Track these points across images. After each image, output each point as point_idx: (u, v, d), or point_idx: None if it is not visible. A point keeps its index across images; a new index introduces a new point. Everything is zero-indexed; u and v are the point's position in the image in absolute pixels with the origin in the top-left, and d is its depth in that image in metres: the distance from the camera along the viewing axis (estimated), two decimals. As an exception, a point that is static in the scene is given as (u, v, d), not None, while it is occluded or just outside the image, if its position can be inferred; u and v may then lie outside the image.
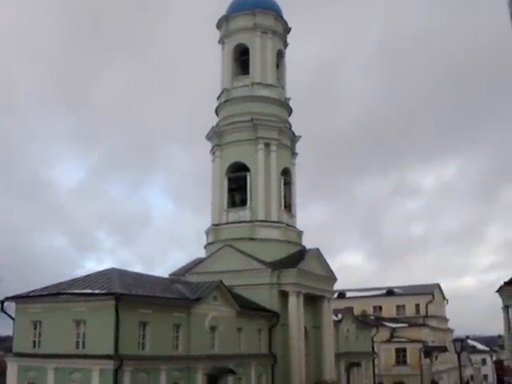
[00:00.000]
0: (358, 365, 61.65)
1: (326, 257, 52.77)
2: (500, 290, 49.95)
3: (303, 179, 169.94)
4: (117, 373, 30.10)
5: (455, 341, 34.57)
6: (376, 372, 70.23)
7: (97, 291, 31.88)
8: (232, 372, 38.40)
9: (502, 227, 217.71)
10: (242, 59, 55.00)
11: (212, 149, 53.77)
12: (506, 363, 55.69)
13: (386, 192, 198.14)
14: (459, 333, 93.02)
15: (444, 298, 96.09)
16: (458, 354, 32.76)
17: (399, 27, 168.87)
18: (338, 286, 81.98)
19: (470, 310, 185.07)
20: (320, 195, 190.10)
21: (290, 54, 56.64)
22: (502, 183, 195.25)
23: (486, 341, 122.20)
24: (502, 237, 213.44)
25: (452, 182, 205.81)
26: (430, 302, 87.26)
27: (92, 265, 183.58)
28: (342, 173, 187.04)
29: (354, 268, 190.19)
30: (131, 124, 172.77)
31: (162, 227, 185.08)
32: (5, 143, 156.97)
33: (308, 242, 53.17)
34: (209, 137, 53.96)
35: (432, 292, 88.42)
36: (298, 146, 55.44)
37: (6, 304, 35.49)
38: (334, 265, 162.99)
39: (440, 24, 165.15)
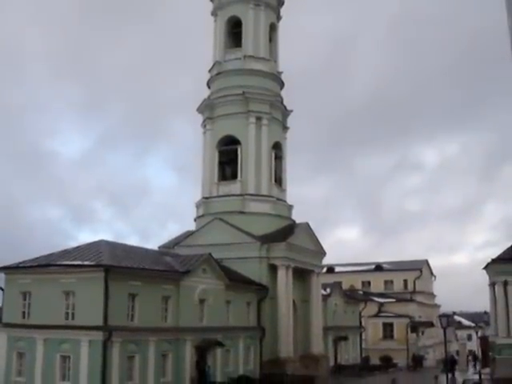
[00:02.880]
0: (346, 339, 62.22)
1: (323, 231, 53.91)
2: (487, 267, 50.49)
3: (306, 153, 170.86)
4: (106, 344, 30.22)
5: (441, 316, 34.79)
6: (363, 346, 70.93)
7: (86, 263, 31.85)
8: (220, 344, 38.63)
9: (500, 206, 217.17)
10: (234, 32, 54.54)
11: (203, 122, 53.59)
12: (490, 339, 56.19)
13: (388, 168, 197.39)
14: (446, 309, 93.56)
15: (432, 274, 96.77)
16: (444, 329, 32.99)
17: (416, 2, 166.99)
18: (329, 261, 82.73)
19: (459, 287, 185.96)
20: (322, 169, 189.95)
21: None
22: (504, 162, 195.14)
23: (472, 317, 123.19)
24: (499, 215, 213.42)
25: (454, 159, 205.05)
26: (418, 277, 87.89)
27: (87, 237, 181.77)
28: (345, 147, 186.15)
29: (349, 243, 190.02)
30: (137, 95, 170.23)
31: (162, 200, 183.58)
32: (6, 112, 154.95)
33: (305, 217, 53.45)
34: (200, 110, 53.73)
35: (420, 268, 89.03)
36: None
37: (-5, 274, 35.51)
38: (330, 239, 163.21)
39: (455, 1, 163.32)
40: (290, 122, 55.65)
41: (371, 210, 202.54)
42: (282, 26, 57.17)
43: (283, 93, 55.52)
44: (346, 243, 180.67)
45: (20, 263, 34.23)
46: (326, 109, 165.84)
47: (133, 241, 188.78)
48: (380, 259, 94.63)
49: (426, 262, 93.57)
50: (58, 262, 32.72)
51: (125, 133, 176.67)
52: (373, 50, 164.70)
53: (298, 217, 53.38)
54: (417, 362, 70.59)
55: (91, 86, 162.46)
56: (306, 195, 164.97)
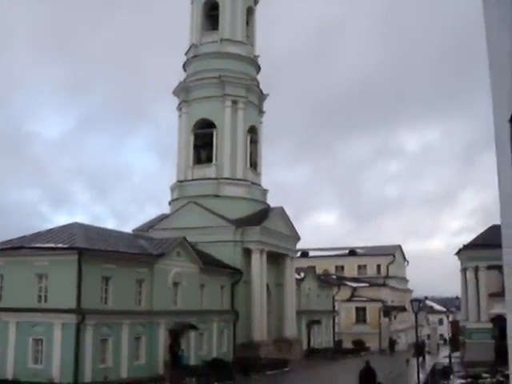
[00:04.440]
0: (319, 323, 62.62)
1: (301, 216, 53.62)
2: (459, 253, 51.09)
3: (288, 138, 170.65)
4: (79, 327, 30.13)
5: (413, 301, 35.16)
6: (336, 330, 71.40)
7: (59, 245, 31.62)
8: (194, 327, 38.69)
9: (478, 193, 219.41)
10: (211, 15, 54.14)
11: (179, 105, 53.31)
12: (461, 323, 57.02)
13: (369, 153, 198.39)
14: (419, 294, 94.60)
15: (405, 259, 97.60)
16: (416, 314, 33.32)
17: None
18: (307, 245, 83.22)
19: (432, 272, 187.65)
20: (303, 154, 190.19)
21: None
22: (483, 149, 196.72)
23: (443, 302, 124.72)
24: (476, 202, 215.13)
25: (435, 145, 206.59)
26: (391, 262, 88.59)
27: (64, 219, 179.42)
28: (327, 132, 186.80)
29: (327, 228, 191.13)
30: (121, 78, 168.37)
31: (142, 183, 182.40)
32: None
33: (285, 201, 53.60)
34: (176, 92, 53.42)
35: (393, 253, 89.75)
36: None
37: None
38: (309, 224, 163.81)
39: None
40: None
41: (350, 196, 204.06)
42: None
43: (260, 77, 55.47)
44: (324, 228, 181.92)
45: (-8, 245, 33.89)
46: (309, 94, 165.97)
47: (110, 224, 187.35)
48: (357, 244, 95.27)
49: (399, 247, 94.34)
50: (31, 245, 32.46)
51: (106, 115, 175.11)
52: (359, 35, 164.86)
53: (277, 201, 53.63)
54: (391, 346, 71.22)
55: (74, 68, 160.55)
56: (287, 180, 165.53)
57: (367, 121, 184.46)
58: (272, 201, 54.21)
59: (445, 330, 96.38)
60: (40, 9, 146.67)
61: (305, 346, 57.50)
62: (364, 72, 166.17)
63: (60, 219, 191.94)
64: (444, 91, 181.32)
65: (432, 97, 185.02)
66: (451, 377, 34.82)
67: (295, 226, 54.70)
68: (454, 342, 64.12)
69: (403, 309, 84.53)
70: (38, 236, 34.12)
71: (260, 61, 55.44)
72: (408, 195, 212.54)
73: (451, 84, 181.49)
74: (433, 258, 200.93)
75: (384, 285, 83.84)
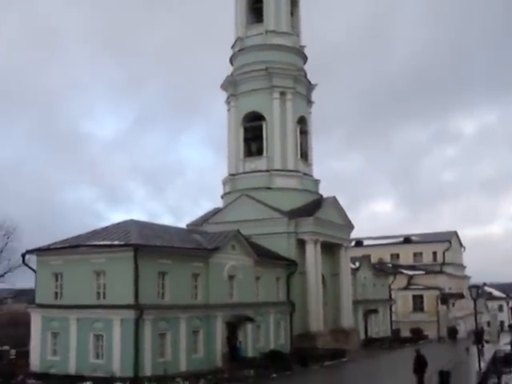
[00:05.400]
0: (376, 312, 62.15)
1: (357, 206, 53.20)
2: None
3: (340, 127, 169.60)
4: (137, 322, 30.55)
5: (471, 287, 34.49)
6: (393, 319, 70.77)
7: (115, 242, 32.10)
8: (251, 320, 38.85)
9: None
10: (255, 7, 54.01)
11: (227, 98, 53.45)
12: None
13: (424, 140, 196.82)
14: (477, 280, 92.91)
15: (461, 245, 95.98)
16: (475, 301, 32.76)
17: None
18: (362, 234, 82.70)
19: (491, 258, 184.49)
20: (357, 143, 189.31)
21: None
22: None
23: (503, 288, 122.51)
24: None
25: (492, 128, 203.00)
26: (447, 249, 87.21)
27: (120, 217, 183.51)
28: (380, 120, 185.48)
29: (382, 216, 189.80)
30: (174, 74, 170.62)
31: (197, 178, 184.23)
32: (44, 92, 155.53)
33: (339, 191, 53.30)
34: (224, 86, 53.57)
35: (449, 239, 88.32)
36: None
37: (27, 257, 36.02)
38: (364, 213, 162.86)
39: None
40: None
41: (405, 183, 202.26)
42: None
43: (308, 67, 55.14)
44: (379, 217, 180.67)
45: (51, 245, 34.63)
46: (361, 81, 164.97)
47: (166, 220, 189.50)
48: (413, 232, 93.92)
49: (456, 233, 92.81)
50: (88, 243, 33.04)
51: (160, 112, 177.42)
52: (412, 20, 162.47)
53: (330, 191, 53.31)
54: (451, 334, 69.90)
55: (128, 67, 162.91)
56: (340, 169, 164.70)
57: (422, 106, 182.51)
58: (325, 191, 54.08)
59: (505, 317, 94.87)
60: (93, 9, 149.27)
61: (362, 336, 57.14)
62: (418, 56, 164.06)
63: (116, 217, 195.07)
64: (501, 73, 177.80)
65: (489, 79, 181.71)
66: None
67: (349, 216, 54.43)
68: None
69: (461, 296, 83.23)
70: (95, 234, 34.70)
71: (307, 51, 55.15)
72: (465, 180, 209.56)
73: (509, 66, 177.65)
74: (491, 243, 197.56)
75: (441, 272, 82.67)
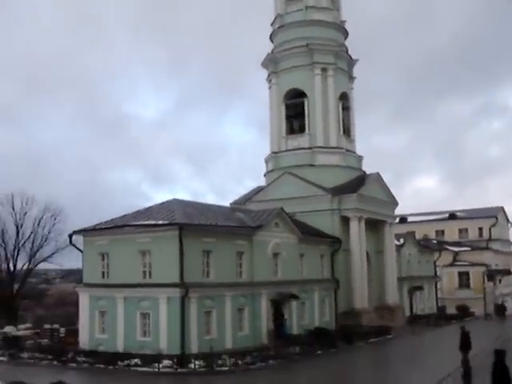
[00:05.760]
0: (421, 289, 61.56)
1: (401, 181, 52.67)
2: None
3: (386, 102, 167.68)
4: (183, 300, 30.88)
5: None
6: (439, 296, 70.10)
7: (160, 222, 32.37)
8: (295, 297, 38.89)
9: None
10: (295, -17, 53.39)
11: (268, 76, 53.20)
12: None
13: (471, 113, 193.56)
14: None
15: (508, 221, 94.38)
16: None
17: None
18: (407, 210, 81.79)
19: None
20: (402, 118, 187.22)
21: None
22: None
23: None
24: None
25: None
26: (494, 225, 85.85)
27: (164, 197, 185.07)
28: (425, 94, 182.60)
29: (427, 192, 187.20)
30: (215, 53, 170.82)
31: (240, 157, 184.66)
32: (87, 75, 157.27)
33: (383, 167, 52.71)
34: (264, 64, 53.29)
35: (495, 215, 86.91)
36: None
37: (74, 237, 36.56)
38: (409, 189, 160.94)
39: None
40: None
41: (451, 158, 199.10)
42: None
43: (349, 42, 54.53)
44: (423, 193, 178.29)
45: (96, 225, 35.12)
46: (405, 56, 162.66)
47: (210, 199, 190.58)
48: (458, 207, 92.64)
49: (502, 208, 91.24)
50: (133, 223, 33.37)
51: (202, 92, 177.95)
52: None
53: (374, 167, 52.80)
54: (500, 311, 68.97)
55: (170, 48, 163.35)
56: (384, 145, 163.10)
57: (468, 80, 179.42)
58: (368, 167, 53.58)
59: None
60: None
61: (407, 313, 56.70)
62: (463, 28, 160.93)
63: (160, 197, 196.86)
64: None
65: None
66: None
67: (393, 192, 53.86)
68: None
69: (508, 272, 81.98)
70: (139, 214, 35.07)
71: (348, 25, 54.48)
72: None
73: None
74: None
75: (487, 248, 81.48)
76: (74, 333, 37.49)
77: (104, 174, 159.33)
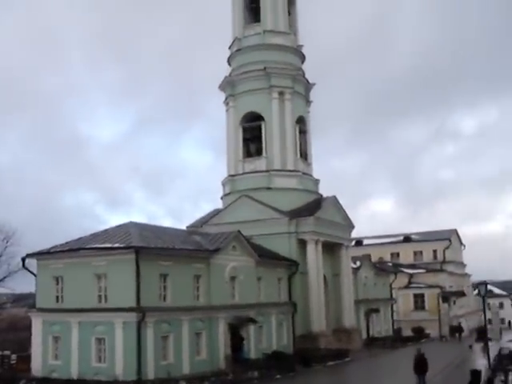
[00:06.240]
0: (377, 311, 61.99)
1: (356, 205, 53.04)
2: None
3: (340, 126, 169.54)
4: (140, 325, 30.34)
5: (479, 284, 34.27)
6: (395, 318, 70.67)
7: (116, 245, 31.91)
8: (253, 321, 38.59)
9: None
10: (252, 7, 53.76)
11: (226, 99, 53.22)
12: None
13: (425, 138, 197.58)
14: (477, 278, 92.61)
15: (461, 243, 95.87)
16: (483, 298, 32.61)
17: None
18: (363, 233, 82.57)
19: (490, 256, 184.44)
20: (356, 142, 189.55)
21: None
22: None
23: (502, 285, 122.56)
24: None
25: (492, 125, 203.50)
26: (447, 247, 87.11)
27: (119, 220, 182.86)
28: (380, 119, 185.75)
29: (382, 215, 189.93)
30: (172, 76, 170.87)
31: (196, 180, 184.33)
32: (43, 95, 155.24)
33: (339, 190, 53.31)
34: (222, 87, 53.35)
35: (449, 238, 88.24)
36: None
37: (27, 261, 35.76)
38: (364, 212, 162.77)
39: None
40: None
41: (405, 181, 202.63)
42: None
43: (306, 66, 55.05)
44: (379, 216, 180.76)
45: (51, 248, 34.43)
46: (361, 80, 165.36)
47: (166, 222, 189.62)
48: (414, 230, 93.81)
49: (455, 231, 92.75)
50: (89, 246, 32.82)
51: (160, 115, 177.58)
52: (412, 20, 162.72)
53: (331, 191, 52.92)
54: (457, 332, 69.40)
55: (127, 70, 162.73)
56: (340, 169, 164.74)
57: (422, 105, 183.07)
58: (325, 190, 53.84)
59: (506, 314, 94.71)
60: (93, 11, 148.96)
61: (364, 335, 56.95)
62: (418, 55, 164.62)
63: (116, 219, 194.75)
64: (501, 71, 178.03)
65: (489, 77, 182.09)
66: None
67: (349, 215, 54.28)
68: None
69: (462, 294, 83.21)
70: (95, 237, 34.52)
71: (306, 50, 54.97)
72: (465, 178, 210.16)
73: (509, 64, 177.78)
74: (491, 240, 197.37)
75: (441, 270, 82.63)
76: (25, 359, 36.45)
77: (58, 196, 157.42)
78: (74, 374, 31.11)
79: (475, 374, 16.59)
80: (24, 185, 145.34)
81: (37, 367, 33.40)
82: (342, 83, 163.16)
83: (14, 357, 39.97)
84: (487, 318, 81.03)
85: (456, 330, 69.44)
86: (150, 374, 30.42)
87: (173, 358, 32.52)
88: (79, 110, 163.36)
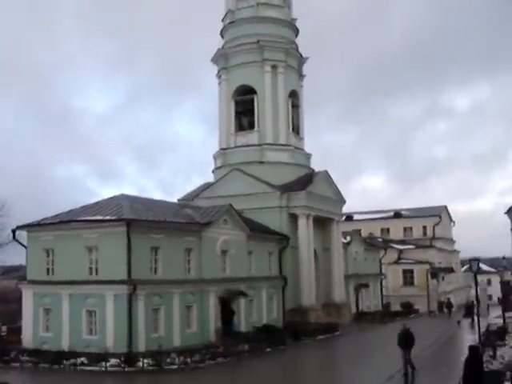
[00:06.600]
0: (367, 286, 62.27)
1: (348, 180, 52.91)
2: (509, 212, 49.88)
3: (334, 101, 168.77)
4: (130, 297, 30.35)
5: (472, 260, 34.12)
6: (384, 293, 71.02)
7: (107, 217, 31.78)
8: (243, 294, 38.69)
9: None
10: (245, -22, 53.17)
11: (218, 72, 52.84)
12: (512, 283, 56.07)
13: (417, 114, 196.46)
14: (466, 254, 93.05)
15: (451, 220, 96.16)
16: (475, 274, 32.56)
17: None
18: (354, 209, 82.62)
19: (479, 233, 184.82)
20: (350, 117, 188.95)
21: None
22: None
23: (491, 262, 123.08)
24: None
25: (485, 103, 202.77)
26: (437, 223, 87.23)
27: (111, 193, 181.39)
28: (374, 94, 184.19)
29: (374, 191, 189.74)
30: (166, 48, 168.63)
31: (188, 153, 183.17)
32: (34, 67, 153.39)
33: (331, 166, 52.99)
34: (214, 60, 52.92)
35: (439, 214, 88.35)
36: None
37: (17, 233, 35.55)
38: (356, 188, 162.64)
39: None
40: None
41: (397, 158, 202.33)
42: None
43: (300, 40, 54.62)
44: (370, 191, 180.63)
45: (41, 220, 34.25)
46: (355, 55, 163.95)
47: (157, 196, 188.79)
48: (403, 206, 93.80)
49: (445, 208, 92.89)
50: (80, 218, 32.66)
51: (152, 87, 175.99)
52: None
53: (323, 165, 53.07)
54: (447, 308, 69.59)
55: (120, 42, 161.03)
56: (333, 144, 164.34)
57: (416, 81, 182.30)
58: (317, 165, 53.77)
59: (494, 291, 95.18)
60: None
61: (353, 310, 57.25)
62: (412, 30, 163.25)
63: (107, 192, 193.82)
64: (495, 47, 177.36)
65: (482, 53, 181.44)
66: (506, 337, 34.15)
67: (341, 190, 54.24)
68: (506, 302, 63.06)
69: (451, 270, 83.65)
70: (86, 209, 34.34)
71: (299, 24, 54.53)
72: (456, 155, 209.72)
73: (502, 39, 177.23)
74: (480, 218, 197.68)
75: (431, 246, 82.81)
76: (16, 331, 36.44)
77: (50, 168, 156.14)
78: (65, 345, 31.07)
79: (473, 349, 16.58)
80: (15, 157, 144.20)
81: (28, 339, 33.42)
82: (335, 58, 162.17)
83: (4, 328, 39.78)
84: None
85: (446, 305, 69.74)
86: (141, 346, 30.47)
87: (164, 331, 32.62)
88: (72, 83, 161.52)
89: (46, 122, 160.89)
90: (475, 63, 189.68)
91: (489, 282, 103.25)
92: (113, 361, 28.01)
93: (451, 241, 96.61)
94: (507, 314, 50.62)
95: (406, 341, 24.79)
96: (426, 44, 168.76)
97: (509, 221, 51.70)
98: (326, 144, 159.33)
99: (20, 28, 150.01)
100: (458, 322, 52.85)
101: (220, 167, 50.93)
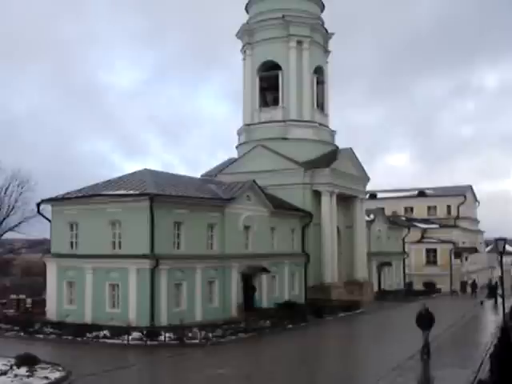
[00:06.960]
0: (389, 264, 61.95)
1: (374, 158, 52.35)
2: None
3: (362, 78, 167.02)
4: (153, 272, 30.51)
5: (498, 240, 33.65)
6: (406, 272, 70.66)
7: (131, 192, 31.82)
8: (266, 270, 38.70)
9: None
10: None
11: (243, 47, 52.45)
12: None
13: (446, 93, 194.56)
14: (490, 235, 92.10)
15: (476, 199, 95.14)
16: (501, 254, 32.11)
17: None
18: (378, 187, 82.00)
19: (504, 213, 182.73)
20: (378, 95, 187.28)
21: None
22: None
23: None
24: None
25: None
26: (462, 203, 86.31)
27: (135, 167, 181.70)
28: (403, 72, 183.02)
29: (399, 169, 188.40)
30: (193, 24, 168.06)
31: (214, 129, 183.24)
32: (61, 42, 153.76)
33: (357, 143, 52.35)
34: (239, 35, 52.50)
35: (464, 194, 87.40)
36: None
37: (42, 207, 35.78)
38: (379, 166, 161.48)
39: None
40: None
41: (424, 137, 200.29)
42: None
43: (325, 15, 53.86)
44: (395, 170, 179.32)
45: (66, 194, 34.40)
46: (384, 33, 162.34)
47: (181, 171, 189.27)
48: (428, 185, 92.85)
49: (470, 187, 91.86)
50: (104, 192, 32.74)
51: (178, 63, 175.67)
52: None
53: (348, 143, 52.57)
54: (472, 288, 69.03)
55: (147, 18, 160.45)
56: (359, 121, 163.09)
57: (445, 59, 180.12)
58: (342, 142, 53.43)
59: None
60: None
61: (375, 288, 57.05)
62: (442, 8, 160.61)
63: (131, 167, 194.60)
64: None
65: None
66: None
67: (365, 168, 53.84)
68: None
69: (474, 250, 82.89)
70: (110, 184, 34.43)
71: (326, -1, 53.70)
72: (484, 135, 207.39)
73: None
74: (505, 198, 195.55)
75: (455, 226, 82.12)
76: (40, 303, 36.85)
77: (75, 143, 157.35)
78: (88, 318, 31.45)
79: (505, 331, 16.45)
80: (41, 132, 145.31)
81: (52, 311, 33.80)
82: (362, 34, 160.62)
83: (29, 301, 40.30)
84: (498, 275, 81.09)
85: (471, 285, 69.11)
86: (163, 320, 30.68)
87: (185, 306, 32.79)
88: (98, 58, 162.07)
89: (72, 97, 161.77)
90: (507, 42, 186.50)
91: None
92: (135, 334, 28.12)
93: (475, 221, 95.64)
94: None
95: (426, 321, 24.56)
96: (455, 22, 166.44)
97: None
98: (351, 121, 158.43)
99: (47, 4, 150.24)
100: (481, 303, 52.47)
101: (244, 143, 50.73)
